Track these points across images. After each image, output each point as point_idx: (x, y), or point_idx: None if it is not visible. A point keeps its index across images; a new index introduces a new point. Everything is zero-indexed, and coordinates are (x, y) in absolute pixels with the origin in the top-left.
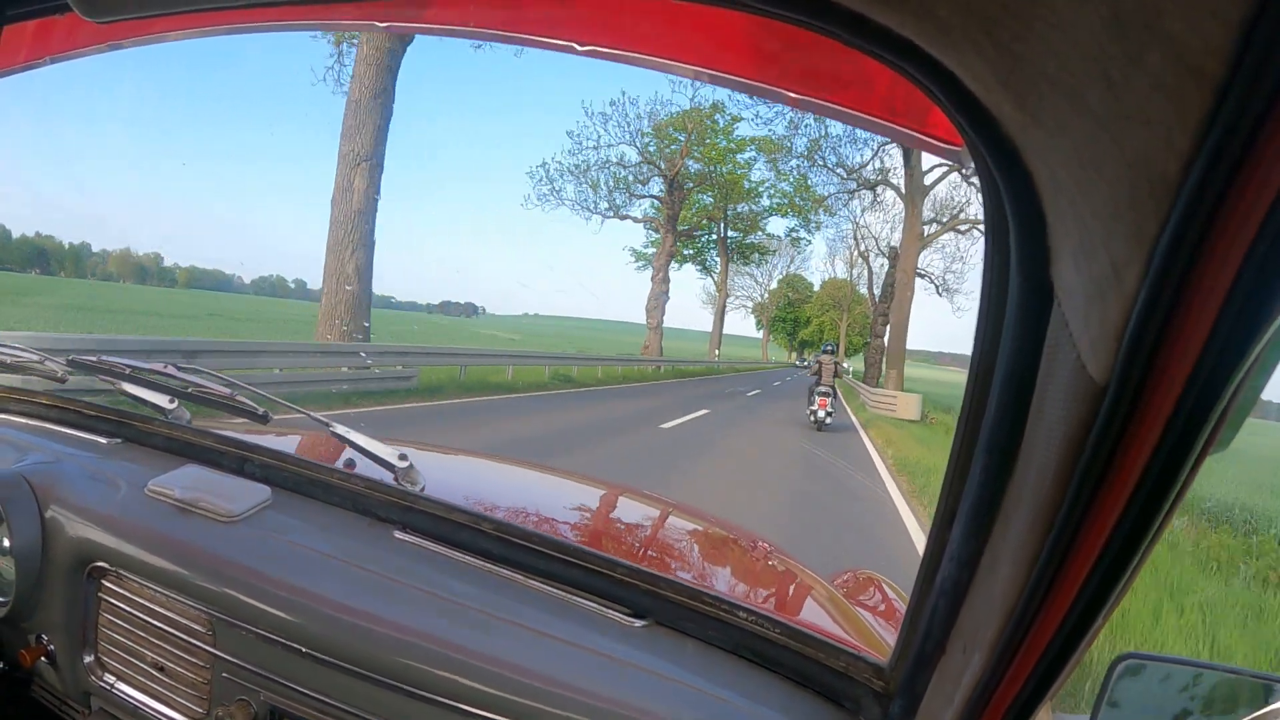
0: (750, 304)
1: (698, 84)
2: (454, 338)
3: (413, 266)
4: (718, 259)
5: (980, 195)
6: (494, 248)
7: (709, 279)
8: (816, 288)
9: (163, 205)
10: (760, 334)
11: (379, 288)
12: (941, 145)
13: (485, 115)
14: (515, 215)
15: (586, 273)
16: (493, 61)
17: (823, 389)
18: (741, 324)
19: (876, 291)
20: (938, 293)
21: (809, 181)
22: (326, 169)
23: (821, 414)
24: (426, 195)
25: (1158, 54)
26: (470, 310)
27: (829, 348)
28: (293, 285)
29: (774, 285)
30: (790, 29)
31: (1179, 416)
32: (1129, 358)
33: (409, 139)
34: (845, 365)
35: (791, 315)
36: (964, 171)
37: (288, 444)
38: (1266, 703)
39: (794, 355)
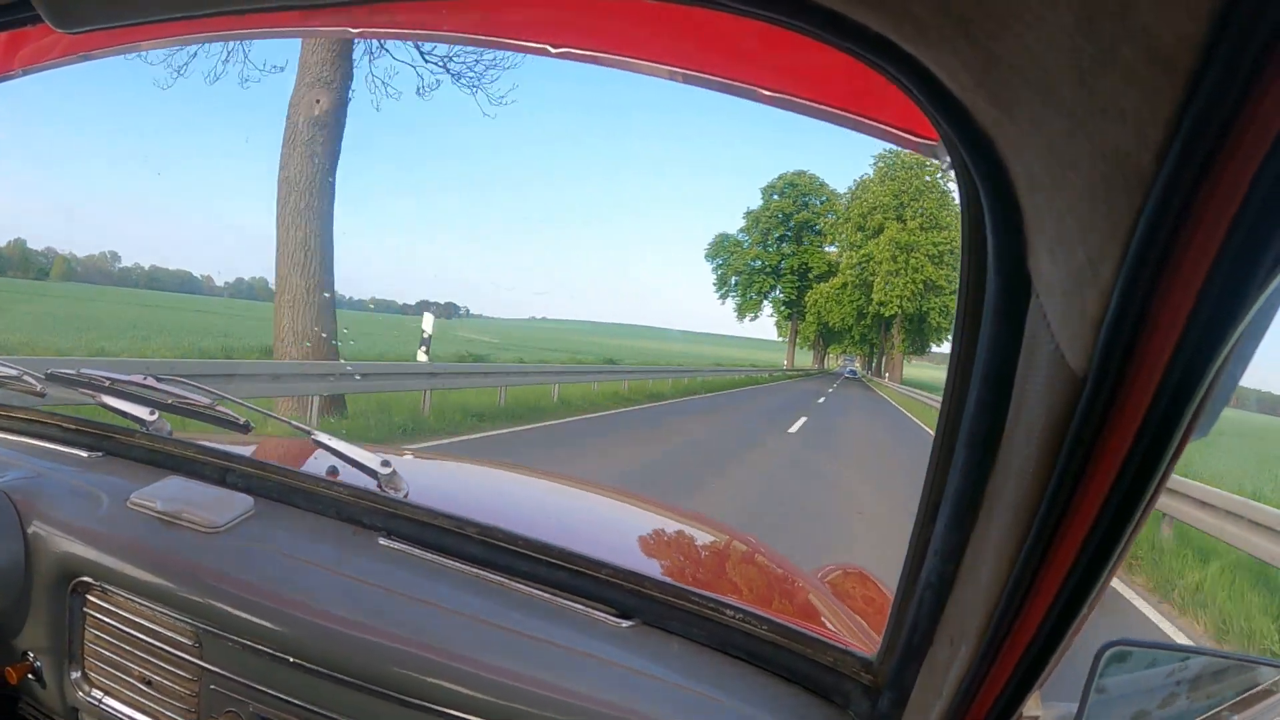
0: None
1: None
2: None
3: (411, 268)
4: None
5: (957, 190)
6: (492, 249)
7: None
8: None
9: (125, 205)
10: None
11: (378, 292)
12: (918, 140)
13: (483, 115)
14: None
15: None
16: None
17: None
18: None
19: None
20: None
21: None
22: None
23: None
24: (421, 196)
25: (1129, 47)
26: (451, 311)
27: None
28: (275, 288)
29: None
30: (765, 27)
31: (1158, 406)
32: (1107, 349)
33: (408, 138)
34: None
35: (793, 261)
36: (941, 166)
37: (270, 453)
38: (1252, 684)
39: (813, 354)
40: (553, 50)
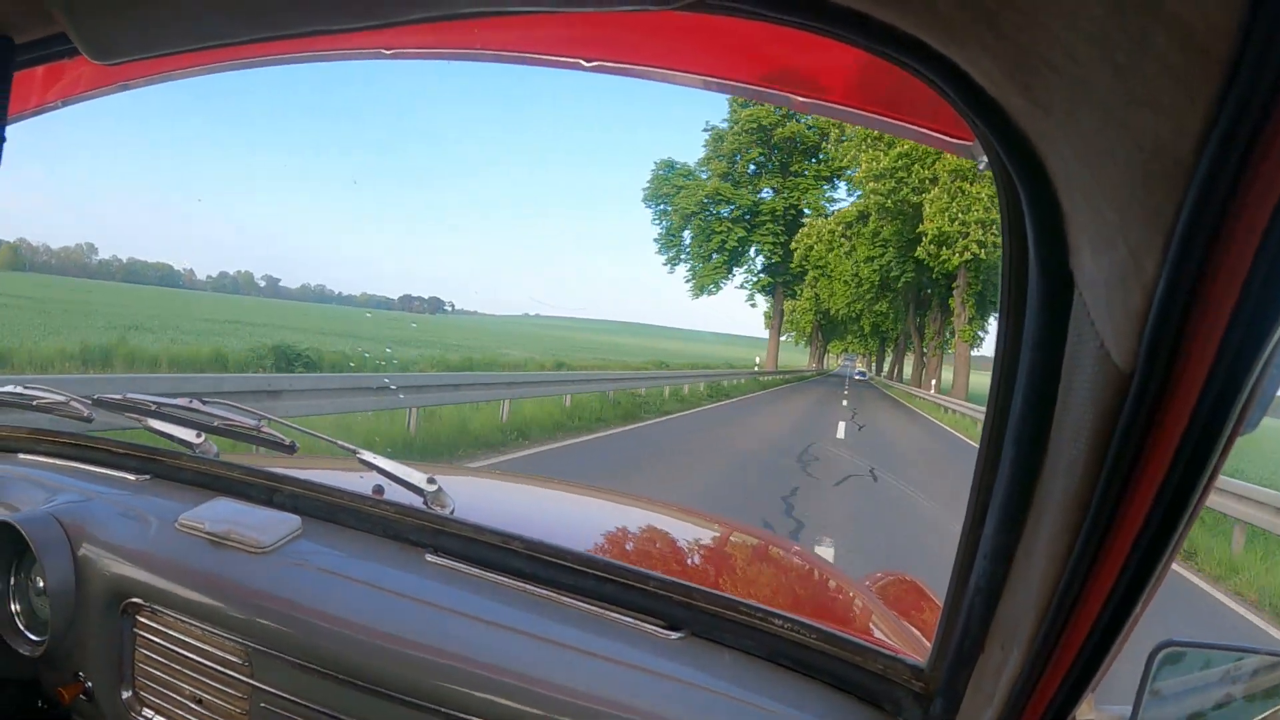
0: None
1: None
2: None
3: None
4: None
5: (995, 189)
6: (485, 244)
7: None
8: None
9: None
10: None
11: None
12: (953, 141)
13: (480, 113)
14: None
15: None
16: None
17: None
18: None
19: None
20: None
21: None
22: (309, 165)
23: None
24: (418, 191)
25: (1163, 36)
26: (435, 306)
27: None
28: (262, 283)
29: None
30: (794, 32)
31: (1207, 399)
32: (1153, 344)
33: (402, 137)
34: None
35: (777, 202)
36: (977, 165)
37: (316, 473)
38: None
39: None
40: (586, 65)
